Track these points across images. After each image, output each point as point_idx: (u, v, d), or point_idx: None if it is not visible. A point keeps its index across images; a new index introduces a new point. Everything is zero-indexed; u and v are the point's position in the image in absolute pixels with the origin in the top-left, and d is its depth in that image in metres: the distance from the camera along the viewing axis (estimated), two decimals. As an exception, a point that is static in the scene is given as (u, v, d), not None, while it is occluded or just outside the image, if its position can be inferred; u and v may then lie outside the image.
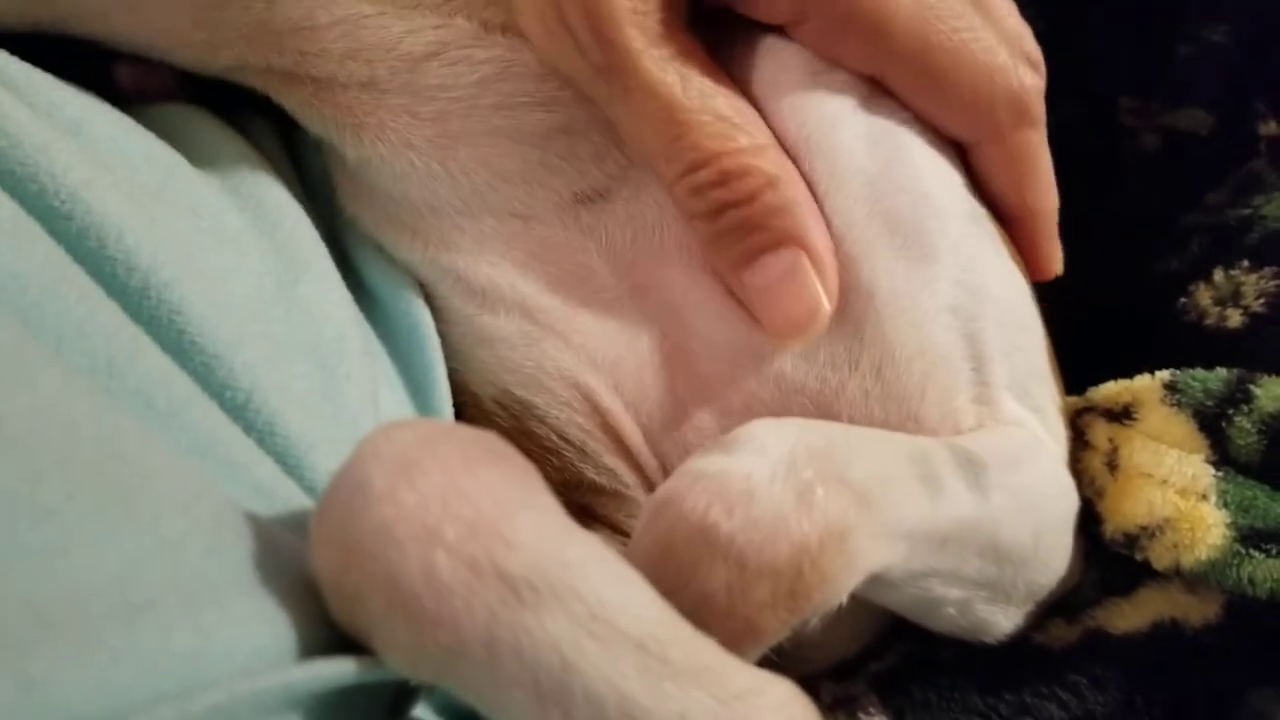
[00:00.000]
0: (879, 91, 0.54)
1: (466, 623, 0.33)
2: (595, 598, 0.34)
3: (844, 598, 0.40)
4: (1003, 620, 0.54)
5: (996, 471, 0.50)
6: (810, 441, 0.41)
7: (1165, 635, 0.53)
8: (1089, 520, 0.56)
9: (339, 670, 0.35)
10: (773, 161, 0.49)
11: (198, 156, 0.52)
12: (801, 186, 0.50)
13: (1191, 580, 0.54)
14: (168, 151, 0.50)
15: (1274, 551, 0.51)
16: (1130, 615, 0.55)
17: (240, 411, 0.44)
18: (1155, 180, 0.68)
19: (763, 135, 0.49)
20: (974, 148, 0.55)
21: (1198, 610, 0.53)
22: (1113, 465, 0.56)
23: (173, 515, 0.35)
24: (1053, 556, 0.54)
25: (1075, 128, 0.59)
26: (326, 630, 0.36)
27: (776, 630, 0.39)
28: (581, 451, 0.53)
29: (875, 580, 0.44)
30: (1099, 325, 0.64)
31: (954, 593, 0.49)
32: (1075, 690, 0.53)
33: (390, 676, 0.36)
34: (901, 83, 0.53)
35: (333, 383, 0.48)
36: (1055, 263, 0.58)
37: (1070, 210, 0.65)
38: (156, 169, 0.49)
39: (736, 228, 0.49)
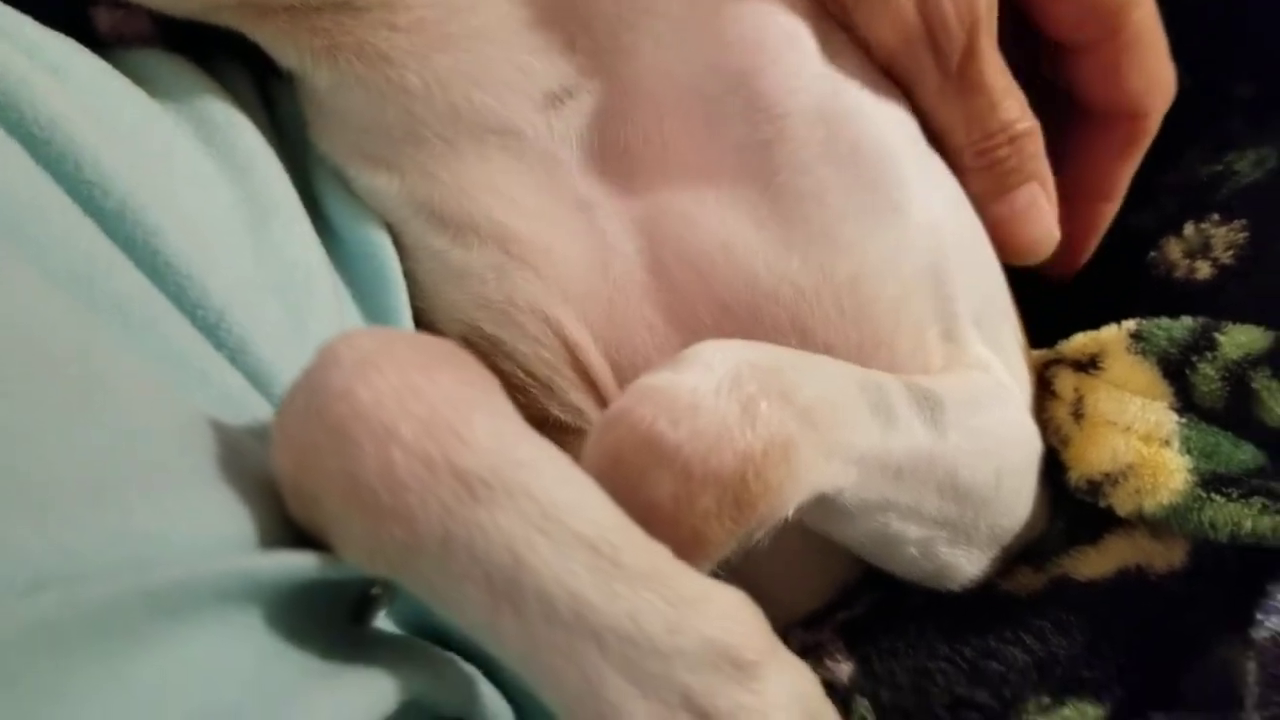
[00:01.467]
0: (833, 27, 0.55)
1: (421, 518, 0.34)
2: (548, 497, 0.35)
3: (789, 510, 0.40)
4: (966, 564, 0.54)
5: (955, 411, 0.50)
6: (756, 359, 0.41)
7: (1130, 581, 0.54)
8: (1054, 468, 0.56)
9: (299, 562, 0.35)
10: (1031, 117, 0.56)
11: (172, 101, 0.52)
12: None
13: (1156, 527, 0.54)
14: (143, 96, 0.51)
15: (1234, 495, 0.51)
16: (1096, 562, 0.55)
17: (212, 330, 0.44)
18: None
19: (1020, 95, 0.56)
20: (1086, 50, 0.59)
21: (1163, 556, 0.54)
22: (1078, 414, 0.56)
23: (140, 410, 0.35)
24: (1016, 501, 0.54)
25: (1053, 88, 0.59)
26: (288, 531, 0.37)
27: (723, 540, 0.39)
28: (548, 388, 0.53)
29: (829, 507, 0.45)
30: (1073, 283, 0.65)
31: (914, 530, 0.50)
32: (1039, 635, 0.53)
33: (350, 574, 0.36)
34: None
35: (300, 322, 0.48)
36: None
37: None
38: (132, 112, 0.49)
39: (1006, 173, 0.56)
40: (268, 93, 0.58)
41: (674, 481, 0.38)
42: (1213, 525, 0.51)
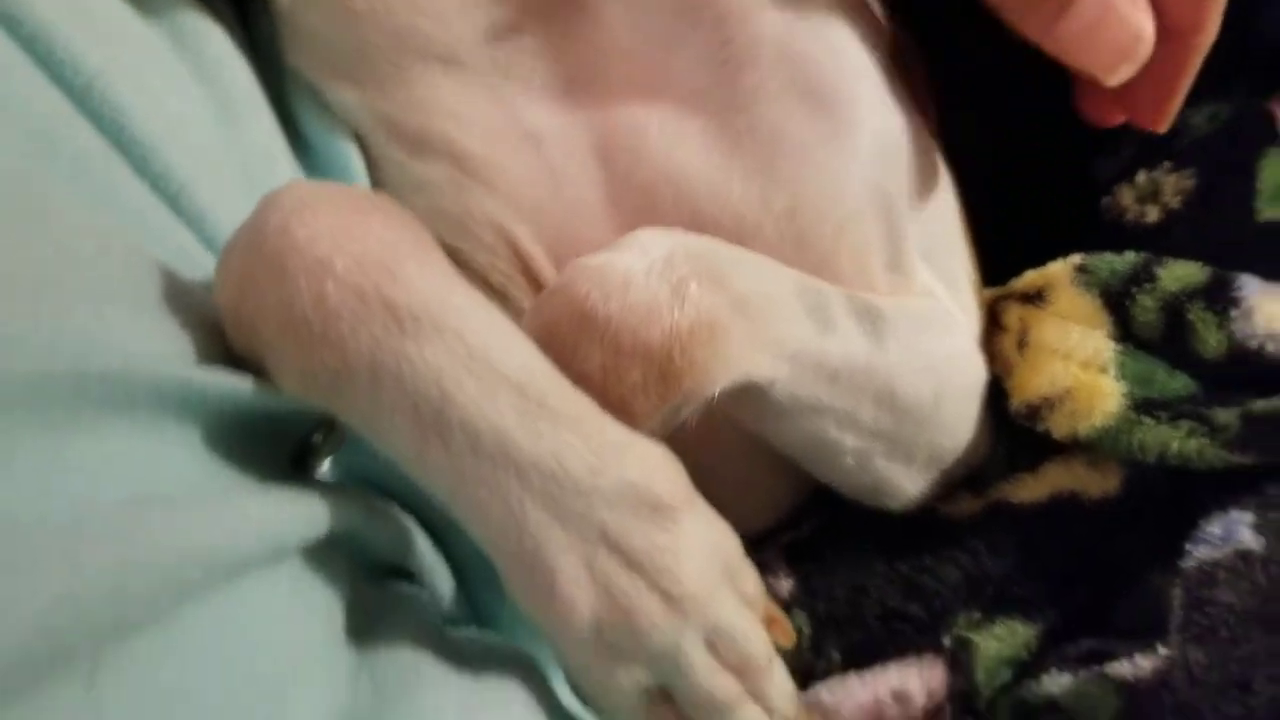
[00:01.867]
0: None
1: (351, 346, 0.35)
2: (476, 339, 0.36)
3: (714, 390, 0.42)
4: (905, 481, 0.55)
5: (896, 326, 0.51)
6: (690, 246, 0.43)
7: (1063, 506, 0.55)
8: (999, 397, 0.58)
9: (236, 383, 0.37)
10: None
11: (146, 6, 0.54)
12: None
13: (1092, 456, 0.55)
14: (118, 1, 0.52)
15: (1164, 419, 0.52)
16: (1032, 487, 0.56)
17: (173, 199, 0.45)
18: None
19: None
20: None
21: (1097, 484, 0.55)
22: (1022, 344, 0.58)
23: (89, 239, 0.36)
24: (957, 424, 0.56)
25: (1022, 45, 0.61)
26: (228, 366, 0.38)
27: (649, 413, 0.40)
28: (503, 296, 0.53)
29: (761, 401, 0.46)
30: (1028, 227, 0.66)
31: (850, 439, 0.51)
32: (974, 554, 0.55)
33: (286, 406, 0.38)
34: None
35: None
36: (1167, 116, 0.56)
37: (1013, 123, 0.67)
38: (107, 9, 0.51)
39: None
40: (244, 9, 0.60)
41: (604, 353, 0.39)
42: (1141, 447, 0.52)
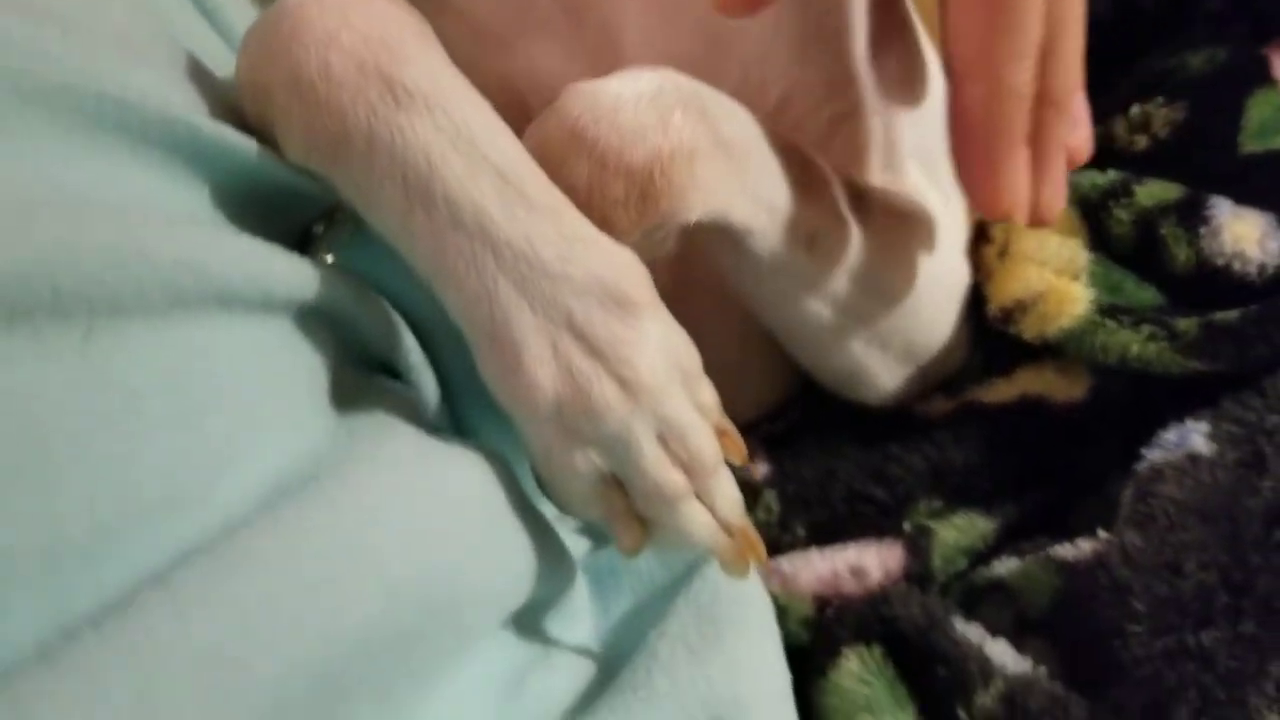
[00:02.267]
0: None
1: (350, 113, 0.38)
2: (463, 120, 0.39)
3: (691, 215, 0.44)
4: (882, 371, 0.58)
5: (879, 210, 0.53)
6: (683, 84, 0.45)
7: (1030, 407, 0.58)
8: (978, 305, 0.60)
9: (241, 140, 0.39)
10: None
11: None
12: None
13: (1061, 359, 0.58)
14: None
15: (1127, 323, 0.54)
16: (1003, 390, 0.59)
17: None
18: (1101, 42, 0.71)
19: None
20: None
21: (1064, 389, 0.58)
22: (1004, 253, 0.60)
23: (116, 3, 0.40)
24: (935, 321, 0.58)
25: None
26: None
27: (629, 229, 0.42)
28: None
29: (740, 248, 0.48)
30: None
31: (828, 313, 0.53)
32: (939, 445, 0.57)
33: (290, 179, 0.40)
34: None
35: None
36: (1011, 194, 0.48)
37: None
38: None
39: None
40: None
41: (590, 168, 0.42)
42: (1104, 349, 0.55)
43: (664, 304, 0.42)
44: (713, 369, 0.60)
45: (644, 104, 0.43)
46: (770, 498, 0.58)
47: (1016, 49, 0.46)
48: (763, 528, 0.58)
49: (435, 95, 0.39)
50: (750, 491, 0.59)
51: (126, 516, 0.30)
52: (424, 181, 0.38)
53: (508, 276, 0.39)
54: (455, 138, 0.39)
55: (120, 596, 0.29)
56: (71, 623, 0.28)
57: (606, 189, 0.42)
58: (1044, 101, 0.47)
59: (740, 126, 0.47)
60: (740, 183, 0.46)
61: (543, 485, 0.43)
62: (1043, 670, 0.48)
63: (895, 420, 0.60)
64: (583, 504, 0.42)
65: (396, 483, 0.37)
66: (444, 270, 0.39)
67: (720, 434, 0.43)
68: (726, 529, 0.43)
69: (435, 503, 0.38)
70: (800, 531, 0.58)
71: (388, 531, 0.35)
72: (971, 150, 0.48)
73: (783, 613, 0.54)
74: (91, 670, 0.27)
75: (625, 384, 0.40)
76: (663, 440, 0.41)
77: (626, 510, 0.42)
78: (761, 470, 0.60)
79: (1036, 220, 0.48)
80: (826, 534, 0.57)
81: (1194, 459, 0.51)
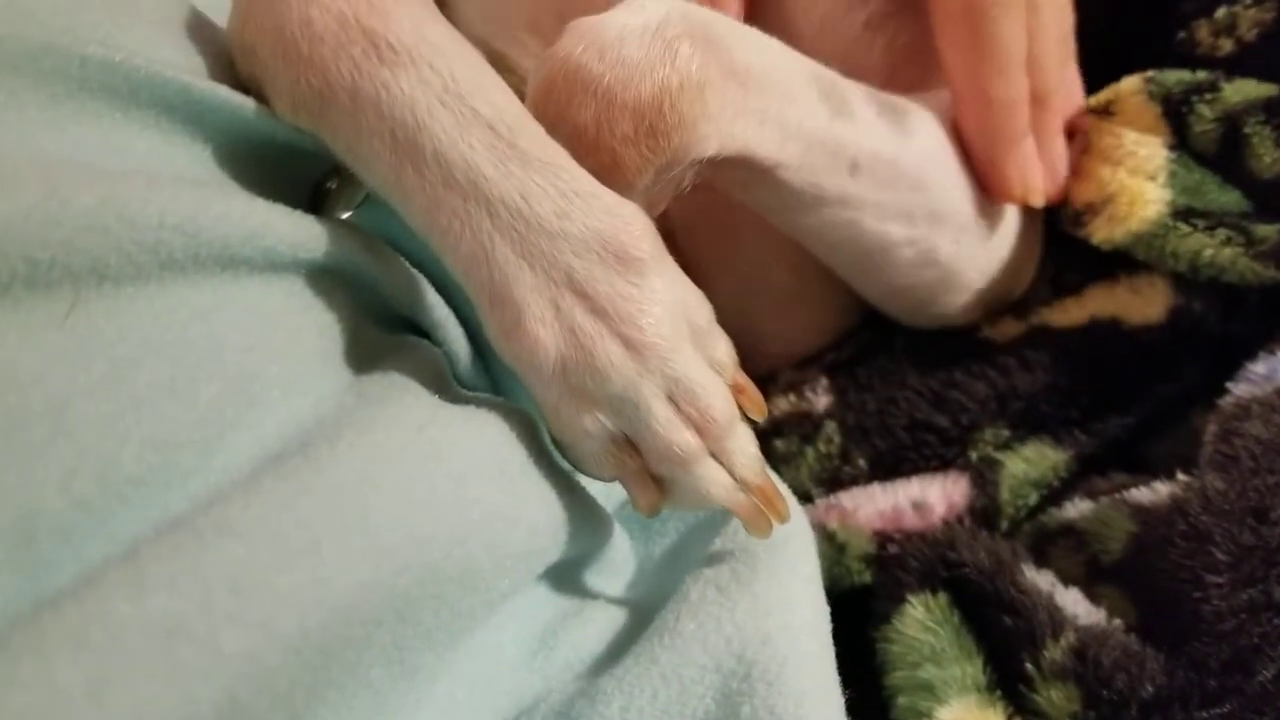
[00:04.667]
0: None
1: (333, 68, 0.36)
2: (450, 73, 0.37)
3: (705, 150, 0.41)
4: (945, 293, 0.54)
5: (922, 121, 0.49)
6: (691, 12, 0.42)
7: (1101, 330, 0.53)
8: (1050, 210, 0.55)
9: (240, 101, 0.38)
10: None
11: None
12: None
13: (1135, 277, 0.53)
14: None
15: (1201, 226, 0.50)
16: (1073, 311, 0.54)
17: None
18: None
19: None
20: None
21: (1140, 310, 0.53)
22: (1083, 152, 0.55)
23: None
24: (1001, 237, 0.53)
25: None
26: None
27: (639, 166, 0.40)
28: None
29: (776, 184, 0.45)
30: (1109, 65, 0.62)
31: (899, 229, 0.49)
32: (1004, 370, 0.53)
33: (289, 135, 0.39)
34: None
35: None
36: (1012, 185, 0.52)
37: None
38: None
39: None
40: None
41: (596, 106, 0.39)
42: (1174, 254, 0.50)
43: (671, 257, 0.39)
44: (768, 298, 0.57)
45: (649, 36, 0.40)
46: (831, 429, 0.55)
47: (1000, 66, 0.49)
48: (824, 460, 0.55)
49: (420, 48, 0.37)
50: (811, 423, 0.56)
51: (107, 491, 0.29)
52: (412, 138, 0.36)
53: (504, 236, 0.37)
54: (443, 92, 0.37)
55: (99, 573, 0.28)
56: (47, 600, 0.27)
57: (614, 126, 0.39)
58: (1031, 100, 0.51)
59: (758, 53, 0.43)
60: (760, 113, 0.42)
61: (557, 445, 0.40)
62: (1117, 623, 0.45)
63: (959, 345, 0.56)
64: (595, 464, 0.40)
65: (395, 446, 0.35)
66: (439, 230, 0.37)
67: (737, 390, 0.40)
68: (745, 487, 0.41)
69: (441, 466, 0.36)
70: (862, 464, 0.54)
71: (379, 496, 0.33)
72: (976, 155, 0.51)
73: (841, 550, 0.52)
74: (43, 651, 0.26)
75: (630, 343, 0.37)
76: (673, 400, 0.38)
77: (640, 470, 0.40)
78: (824, 402, 0.56)
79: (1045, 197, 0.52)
80: (889, 466, 0.54)
81: (1285, 393, 0.46)
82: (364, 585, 0.31)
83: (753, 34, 0.44)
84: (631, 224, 0.38)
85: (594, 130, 0.39)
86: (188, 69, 0.37)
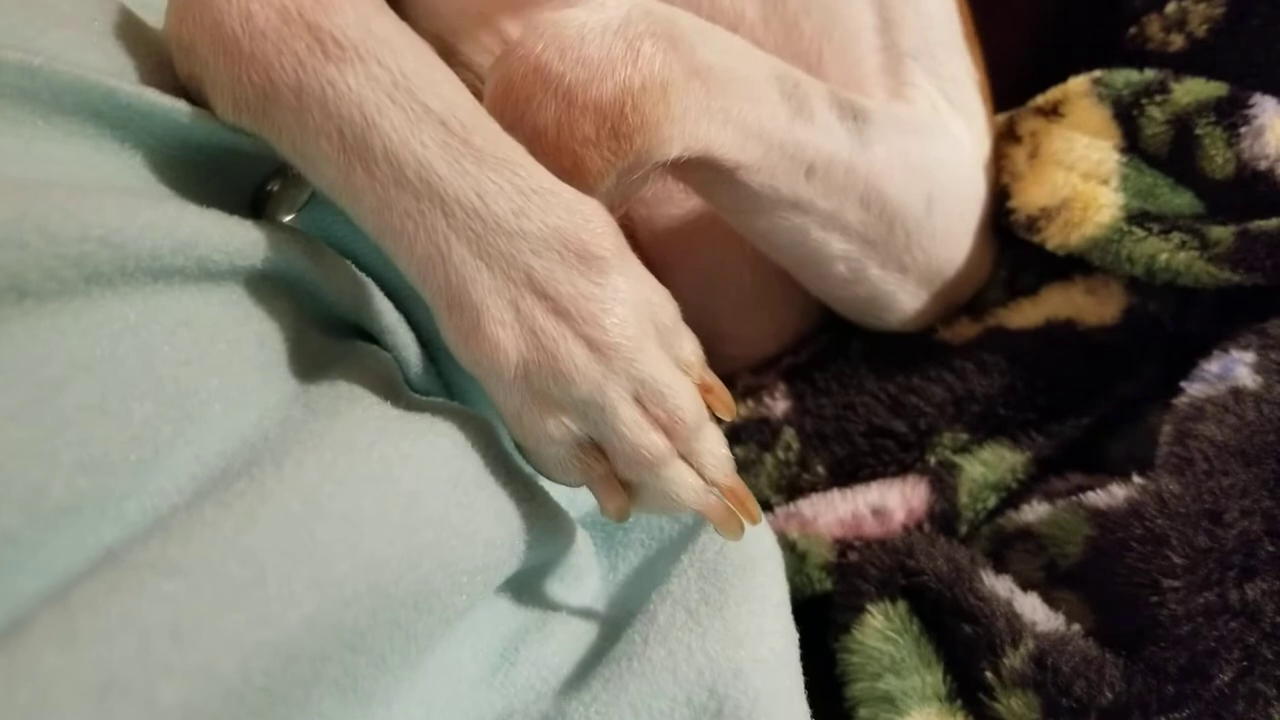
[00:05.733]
0: None
1: (276, 65, 0.35)
2: (398, 68, 0.35)
3: (669, 152, 0.40)
4: (901, 295, 0.53)
5: (882, 126, 0.48)
6: (653, 9, 0.41)
7: (1057, 331, 0.53)
8: (1003, 212, 0.55)
9: (171, 104, 0.36)
10: None
11: None
12: None
13: (1090, 278, 0.53)
14: None
15: (1155, 230, 0.49)
16: (1029, 312, 0.54)
17: None
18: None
19: None
20: None
21: (1095, 312, 0.52)
22: (1032, 156, 0.54)
23: None
24: (952, 234, 0.53)
25: None
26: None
27: (601, 169, 0.39)
28: None
29: (734, 185, 0.44)
30: (1056, 59, 0.62)
31: (837, 242, 0.49)
32: (961, 374, 0.53)
33: (227, 139, 0.37)
34: None
35: None
36: None
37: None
38: None
39: None
40: None
41: (557, 106, 0.38)
42: (1130, 258, 0.50)
43: (634, 254, 0.38)
44: (729, 298, 0.57)
45: (611, 33, 0.39)
46: (790, 435, 0.54)
47: None
48: (783, 467, 0.54)
49: (367, 43, 0.35)
50: (770, 430, 0.56)
51: (36, 521, 0.28)
52: (361, 136, 0.35)
53: (460, 236, 0.35)
54: (392, 88, 0.35)
55: (28, 613, 0.26)
56: None
57: (575, 128, 0.38)
58: None
59: (720, 52, 0.42)
60: (722, 111, 0.41)
61: (520, 450, 0.39)
62: (1076, 628, 0.44)
63: (916, 348, 0.55)
64: (561, 470, 0.38)
65: (343, 466, 0.33)
66: (391, 231, 0.36)
67: (705, 389, 0.39)
68: (715, 489, 0.40)
69: (391, 486, 0.34)
70: (821, 470, 0.54)
71: (327, 523, 0.32)
72: None
73: (801, 559, 0.51)
74: None
75: (594, 344, 0.36)
76: (640, 401, 0.37)
77: (607, 475, 0.39)
78: (781, 408, 0.56)
79: None
80: (848, 472, 0.54)
81: (1238, 394, 0.46)
82: (310, 621, 0.30)
83: (715, 31, 0.43)
84: (592, 221, 0.37)
85: (554, 132, 0.38)
86: (114, 72, 0.36)
